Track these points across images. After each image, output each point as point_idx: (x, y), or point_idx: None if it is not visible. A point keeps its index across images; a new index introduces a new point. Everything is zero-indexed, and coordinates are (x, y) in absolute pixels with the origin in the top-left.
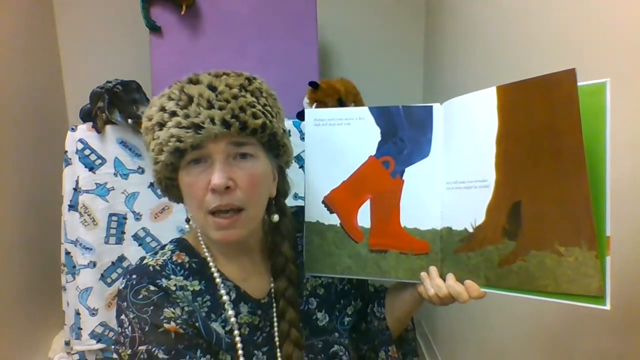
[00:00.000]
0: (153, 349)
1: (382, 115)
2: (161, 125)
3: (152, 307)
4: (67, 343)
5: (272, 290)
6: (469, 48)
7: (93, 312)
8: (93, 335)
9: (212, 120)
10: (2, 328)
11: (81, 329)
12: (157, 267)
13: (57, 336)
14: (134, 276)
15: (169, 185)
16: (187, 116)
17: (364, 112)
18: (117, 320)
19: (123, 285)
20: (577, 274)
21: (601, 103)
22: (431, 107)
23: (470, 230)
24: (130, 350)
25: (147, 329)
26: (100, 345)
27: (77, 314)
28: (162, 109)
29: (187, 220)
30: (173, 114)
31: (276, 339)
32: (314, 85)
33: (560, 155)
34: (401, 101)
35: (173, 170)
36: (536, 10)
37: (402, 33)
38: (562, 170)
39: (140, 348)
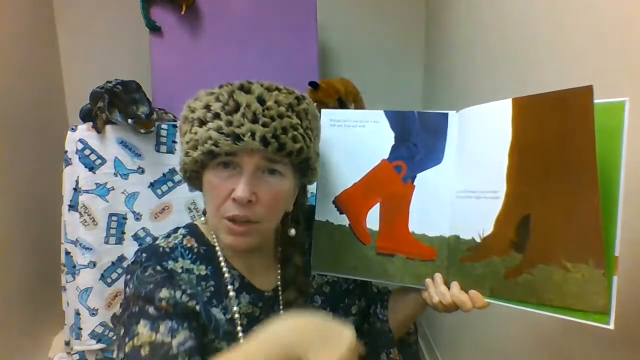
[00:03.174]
0: (146, 307)
1: (397, 120)
2: (202, 122)
3: (151, 285)
4: (67, 343)
5: (279, 286)
6: (469, 48)
7: (93, 312)
8: (93, 335)
9: (253, 135)
10: (2, 328)
11: (81, 329)
12: (167, 249)
13: (57, 336)
14: (144, 254)
15: (192, 177)
16: (229, 123)
17: (379, 115)
18: (123, 293)
19: (133, 261)
20: (583, 290)
21: (618, 121)
22: (446, 114)
23: (478, 240)
24: (127, 312)
25: (142, 295)
26: (100, 345)
27: (77, 314)
28: (207, 107)
29: (204, 213)
30: (216, 116)
31: None
32: (314, 85)
33: (572, 171)
34: (401, 101)
35: (201, 167)
36: (539, 13)
37: (402, 33)
38: (574, 187)
39: (134, 307)
